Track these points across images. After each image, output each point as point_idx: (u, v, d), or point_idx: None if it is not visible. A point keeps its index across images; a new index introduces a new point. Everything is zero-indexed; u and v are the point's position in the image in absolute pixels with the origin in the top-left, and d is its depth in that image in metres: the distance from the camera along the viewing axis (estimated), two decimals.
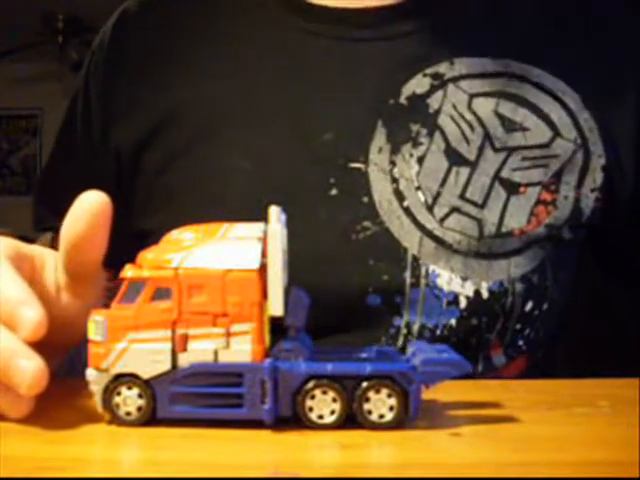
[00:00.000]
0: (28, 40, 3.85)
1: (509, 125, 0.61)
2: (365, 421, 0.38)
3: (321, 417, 0.38)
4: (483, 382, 0.50)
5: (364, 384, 0.38)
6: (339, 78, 0.62)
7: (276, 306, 0.38)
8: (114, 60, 0.68)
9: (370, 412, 0.38)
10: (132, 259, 0.42)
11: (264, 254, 0.39)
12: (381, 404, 0.38)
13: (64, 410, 0.42)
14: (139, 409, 0.39)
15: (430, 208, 0.59)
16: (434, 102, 0.61)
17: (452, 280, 0.58)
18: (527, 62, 0.62)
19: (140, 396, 0.38)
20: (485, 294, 0.58)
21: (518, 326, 0.61)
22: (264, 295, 0.38)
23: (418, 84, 0.61)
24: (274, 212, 0.40)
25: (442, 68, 0.61)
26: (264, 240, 0.39)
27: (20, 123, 4.49)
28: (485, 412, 0.42)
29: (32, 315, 0.39)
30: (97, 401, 0.39)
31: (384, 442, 0.37)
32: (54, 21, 3.92)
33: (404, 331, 0.58)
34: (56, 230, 0.70)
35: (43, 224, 0.71)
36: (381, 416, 0.38)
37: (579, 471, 0.33)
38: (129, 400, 0.38)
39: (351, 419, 0.38)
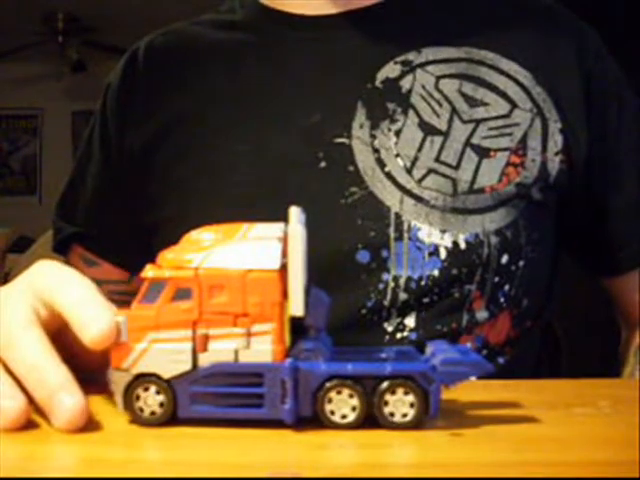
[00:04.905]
0: (28, 40, 3.86)
1: (472, 102, 0.68)
2: (385, 421, 0.38)
3: (341, 417, 0.38)
4: (483, 382, 0.50)
5: (384, 384, 0.38)
6: (322, 72, 0.70)
7: (297, 306, 0.39)
8: (127, 84, 0.75)
9: (390, 412, 0.38)
10: (148, 256, 0.42)
11: (284, 254, 0.39)
12: (401, 404, 0.38)
13: None
14: (160, 409, 0.39)
15: (409, 171, 0.65)
16: (406, 84, 0.68)
17: (432, 233, 0.63)
18: (484, 49, 0.70)
19: (161, 395, 0.39)
20: (462, 245, 0.63)
21: (497, 279, 0.65)
22: (284, 295, 0.38)
23: (390, 70, 0.69)
24: (294, 212, 0.40)
25: (410, 56, 0.69)
26: (284, 240, 0.39)
27: (20, 123, 4.49)
28: (485, 412, 0.42)
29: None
30: (118, 401, 0.39)
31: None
32: (54, 21, 3.93)
33: (392, 285, 0.63)
34: (72, 236, 0.77)
35: (61, 234, 0.78)
36: (401, 416, 0.38)
37: (579, 471, 0.33)
38: (150, 400, 0.39)
39: (371, 419, 0.38)
